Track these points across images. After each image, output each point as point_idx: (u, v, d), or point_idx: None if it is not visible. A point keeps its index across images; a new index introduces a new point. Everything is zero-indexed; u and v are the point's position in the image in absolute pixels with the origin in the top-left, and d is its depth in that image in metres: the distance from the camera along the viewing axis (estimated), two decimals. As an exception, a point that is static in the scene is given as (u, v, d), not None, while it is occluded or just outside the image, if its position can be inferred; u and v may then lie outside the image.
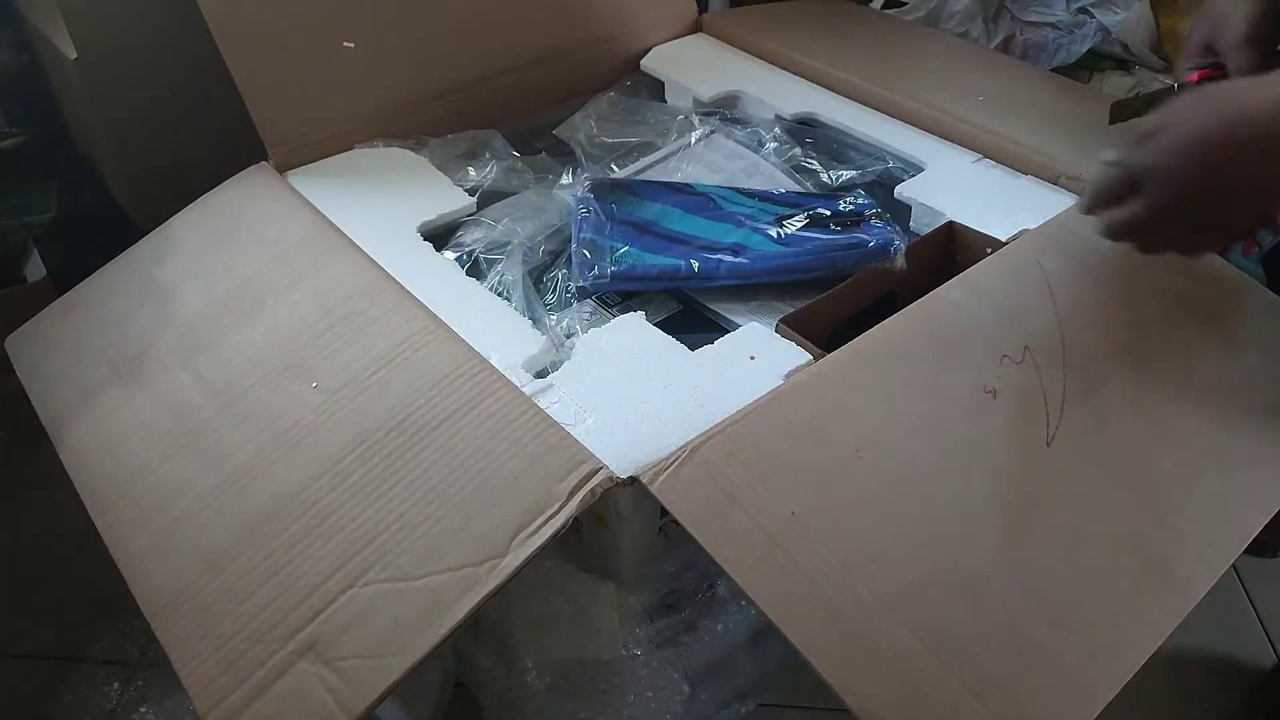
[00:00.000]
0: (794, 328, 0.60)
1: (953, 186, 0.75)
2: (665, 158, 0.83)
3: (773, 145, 0.83)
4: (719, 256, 0.68)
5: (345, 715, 0.44)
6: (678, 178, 0.80)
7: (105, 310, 0.69)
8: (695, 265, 0.67)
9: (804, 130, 0.85)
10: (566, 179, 0.79)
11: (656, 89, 0.94)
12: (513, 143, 0.83)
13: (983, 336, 0.59)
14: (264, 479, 0.53)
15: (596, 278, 0.67)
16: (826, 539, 0.48)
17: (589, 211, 0.72)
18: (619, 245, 0.69)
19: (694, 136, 0.84)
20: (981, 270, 0.63)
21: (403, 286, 0.62)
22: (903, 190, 0.75)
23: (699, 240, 0.70)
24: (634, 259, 0.68)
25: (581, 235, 0.70)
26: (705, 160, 0.82)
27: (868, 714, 0.42)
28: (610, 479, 0.49)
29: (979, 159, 0.78)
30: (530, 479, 0.49)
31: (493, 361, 0.56)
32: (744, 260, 0.67)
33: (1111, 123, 0.69)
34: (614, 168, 0.82)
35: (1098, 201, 0.54)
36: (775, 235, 0.70)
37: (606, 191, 0.74)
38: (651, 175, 0.81)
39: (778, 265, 0.67)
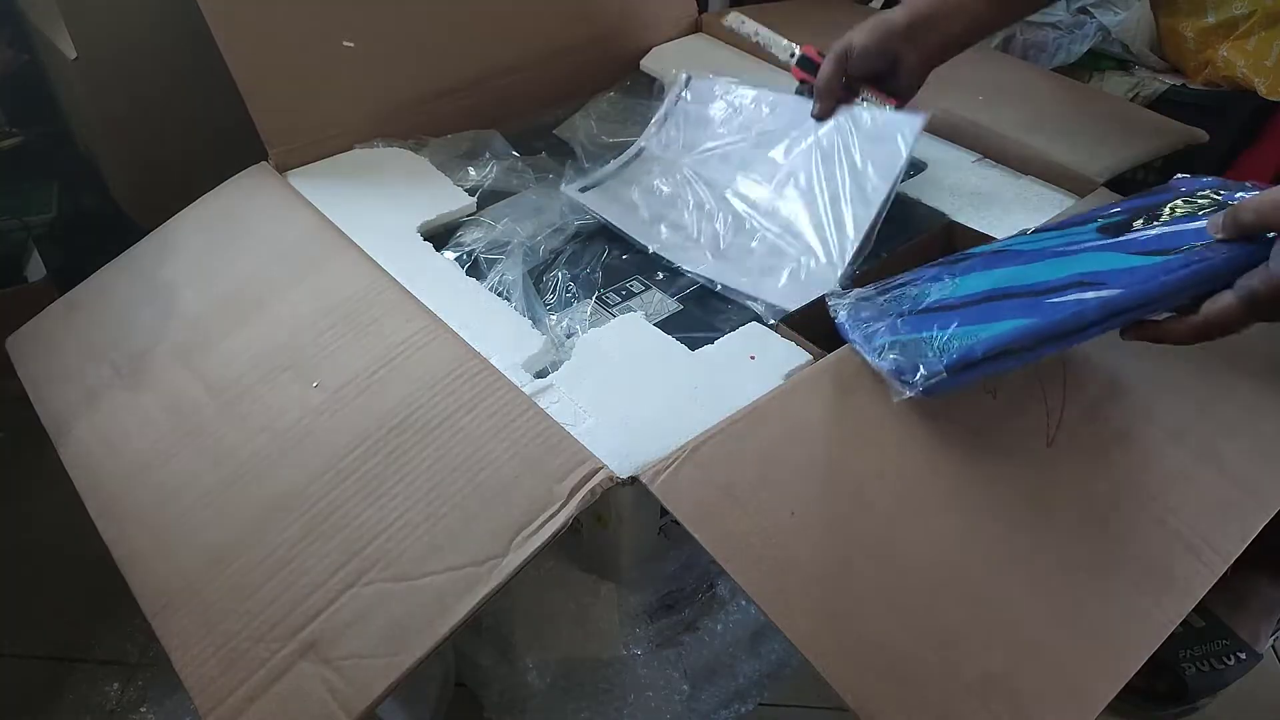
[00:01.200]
0: (794, 328, 0.60)
1: (953, 186, 0.75)
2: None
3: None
4: (1074, 296, 0.50)
5: (346, 715, 0.44)
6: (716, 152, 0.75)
7: (106, 310, 0.69)
8: (1055, 315, 0.49)
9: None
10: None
11: (657, 89, 0.94)
12: (513, 143, 0.83)
13: (983, 336, 0.59)
14: (265, 478, 0.53)
15: (928, 379, 0.51)
16: (826, 538, 0.48)
17: (859, 328, 0.57)
18: (936, 334, 0.53)
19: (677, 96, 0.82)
20: (981, 270, 0.63)
21: (403, 286, 0.62)
22: (903, 190, 0.75)
23: (1032, 287, 0.53)
24: (967, 338, 0.51)
25: (877, 345, 0.55)
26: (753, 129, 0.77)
27: (868, 714, 0.43)
28: (610, 479, 0.49)
29: (979, 159, 0.78)
30: (530, 479, 0.49)
31: (493, 361, 0.56)
32: (1116, 290, 0.49)
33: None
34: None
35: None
36: (1127, 244, 0.53)
37: (858, 307, 0.59)
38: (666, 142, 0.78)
39: (1166, 281, 0.48)
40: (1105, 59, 1.12)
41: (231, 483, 0.54)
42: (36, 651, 0.94)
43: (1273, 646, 0.95)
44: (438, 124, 0.82)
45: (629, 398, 0.55)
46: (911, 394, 0.51)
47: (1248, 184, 0.59)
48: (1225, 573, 0.51)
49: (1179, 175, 0.62)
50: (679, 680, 0.70)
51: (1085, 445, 0.54)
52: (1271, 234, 0.47)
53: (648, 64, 0.94)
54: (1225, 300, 0.47)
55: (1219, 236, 0.49)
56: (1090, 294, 0.49)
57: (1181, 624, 0.68)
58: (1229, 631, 0.88)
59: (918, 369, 0.51)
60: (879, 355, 0.54)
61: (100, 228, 1.06)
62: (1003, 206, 0.71)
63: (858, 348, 0.56)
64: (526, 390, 0.54)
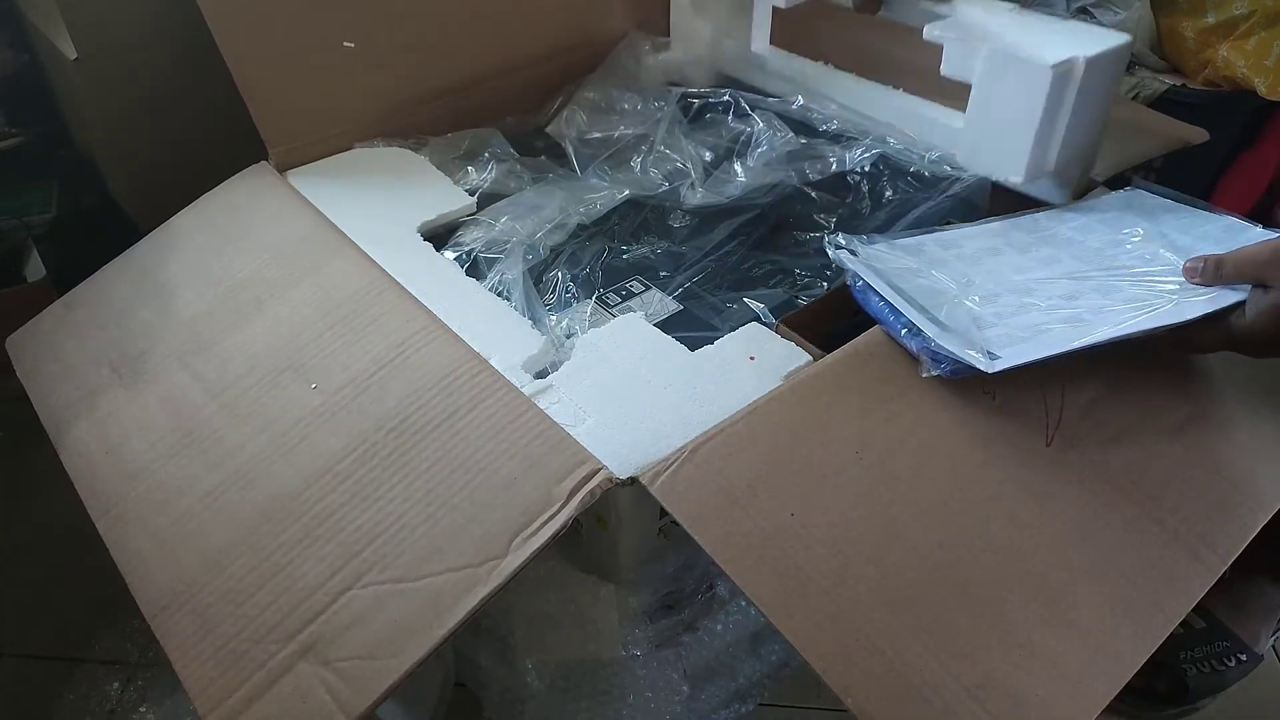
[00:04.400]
0: (794, 328, 0.60)
1: (987, 23, 0.68)
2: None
3: (776, 136, 0.82)
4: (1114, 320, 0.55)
5: (346, 716, 0.44)
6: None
7: (105, 310, 0.69)
8: (1093, 339, 0.54)
9: (802, 126, 0.85)
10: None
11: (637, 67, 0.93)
12: (512, 143, 0.83)
13: (983, 337, 0.59)
14: (264, 479, 0.53)
15: (957, 366, 0.53)
16: (826, 539, 0.48)
17: (877, 297, 0.59)
18: (974, 333, 0.56)
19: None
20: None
21: (403, 286, 0.62)
22: (932, 30, 0.69)
23: (1072, 320, 0.57)
24: (1006, 348, 0.54)
25: (904, 323, 0.56)
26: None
27: (867, 715, 0.42)
28: (610, 479, 0.49)
29: (1014, 7, 0.71)
30: (530, 480, 0.49)
31: (492, 362, 0.56)
32: (1148, 324, 0.54)
33: None
34: (606, 169, 0.82)
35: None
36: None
37: (876, 271, 0.61)
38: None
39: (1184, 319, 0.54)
40: (1105, 59, 1.11)
41: (230, 484, 0.54)
42: (36, 651, 0.94)
43: (1273, 647, 0.95)
44: (438, 124, 0.82)
45: (629, 398, 0.55)
46: (939, 372, 0.54)
47: (1200, 203, 0.67)
48: (1227, 574, 0.51)
49: (1136, 180, 0.70)
50: (679, 680, 0.70)
51: (1084, 445, 0.54)
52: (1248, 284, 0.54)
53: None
54: (1206, 334, 0.55)
55: (1196, 281, 0.56)
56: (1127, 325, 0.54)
57: (1182, 625, 0.67)
58: (1230, 633, 0.87)
59: (947, 355, 0.54)
60: (906, 332, 0.56)
61: (100, 228, 1.06)
62: (1046, 40, 0.65)
63: (877, 317, 0.58)
64: (526, 390, 0.54)
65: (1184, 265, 0.57)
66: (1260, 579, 0.87)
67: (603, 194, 0.77)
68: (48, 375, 0.66)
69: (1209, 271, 0.56)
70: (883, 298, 0.58)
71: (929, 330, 0.55)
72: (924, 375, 0.55)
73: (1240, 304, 0.54)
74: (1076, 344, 0.53)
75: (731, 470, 0.50)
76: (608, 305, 0.68)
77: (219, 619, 0.48)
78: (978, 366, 0.52)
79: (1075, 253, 0.64)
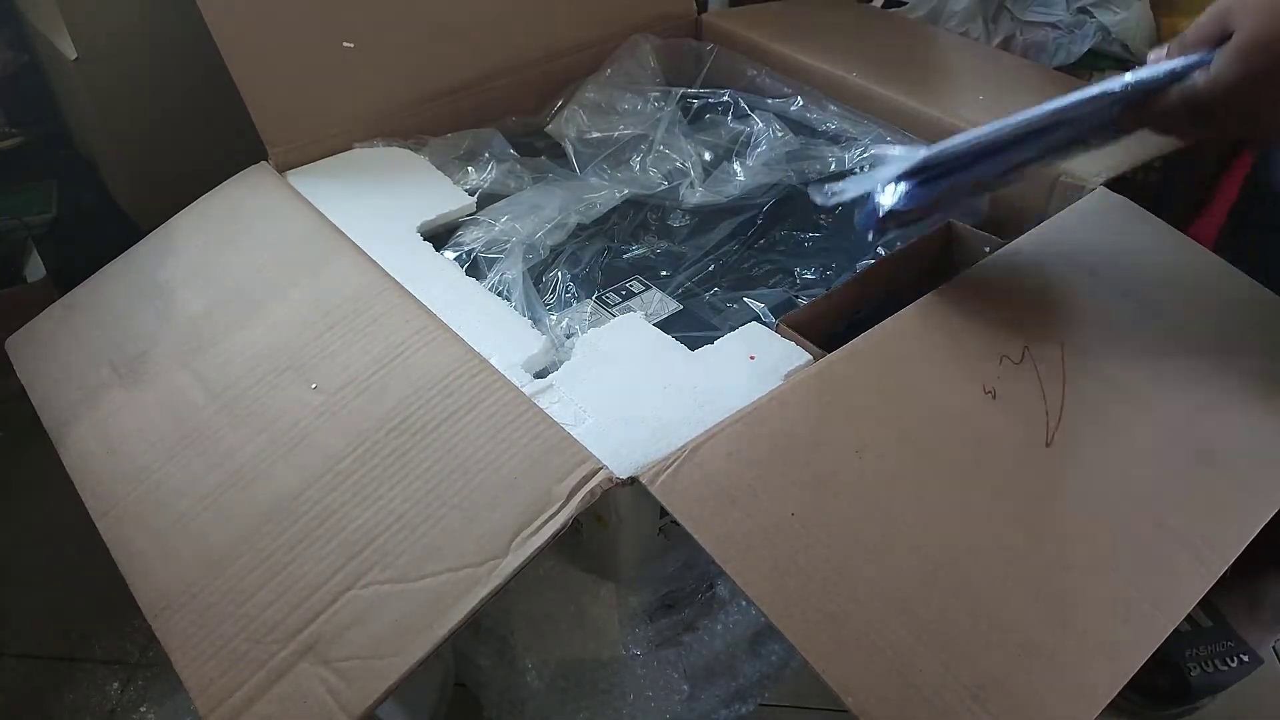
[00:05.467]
0: (794, 328, 0.60)
1: None
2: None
3: (775, 136, 0.82)
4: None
5: (346, 716, 0.44)
6: None
7: (106, 311, 0.69)
8: (1004, 126, 0.55)
9: (802, 127, 0.85)
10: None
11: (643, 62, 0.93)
12: (513, 143, 0.83)
13: (982, 337, 0.59)
14: (264, 480, 0.53)
15: (895, 194, 0.57)
16: (826, 539, 0.48)
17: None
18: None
19: None
20: (980, 270, 0.63)
21: (403, 286, 0.62)
22: None
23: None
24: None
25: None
26: None
27: (867, 715, 0.42)
28: (610, 479, 0.49)
29: None
30: (530, 479, 0.49)
31: (493, 361, 0.56)
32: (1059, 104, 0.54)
33: None
34: (606, 169, 0.82)
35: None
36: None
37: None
38: None
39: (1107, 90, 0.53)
40: (1105, 59, 1.11)
41: (231, 484, 0.54)
42: (36, 651, 0.94)
43: (1274, 648, 0.95)
44: (438, 124, 0.82)
45: (629, 398, 0.55)
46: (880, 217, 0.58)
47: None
48: (1233, 576, 0.51)
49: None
50: (679, 680, 0.70)
51: (1084, 445, 0.54)
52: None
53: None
54: (1169, 97, 0.50)
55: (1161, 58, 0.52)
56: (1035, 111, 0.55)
57: (1190, 622, 0.67)
58: (1234, 634, 0.88)
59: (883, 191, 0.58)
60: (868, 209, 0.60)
61: (100, 228, 1.06)
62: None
63: (864, 223, 0.61)
64: (526, 390, 0.54)
65: (1148, 56, 0.53)
66: (1267, 582, 0.87)
67: (602, 194, 0.78)
68: (48, 376, 0.66)
69: (1174, 49, 0.52)
70: (862, 194, 0.60)
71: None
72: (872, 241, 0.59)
73: (1204, 64, 0.49)
74: (1013, 121, 0.54)
75: (731, 470, 0.50)
76: (608, 305, 0.68)
77: (219, 619, 0.48)
78: (907, 165, 0.54)
79: None
